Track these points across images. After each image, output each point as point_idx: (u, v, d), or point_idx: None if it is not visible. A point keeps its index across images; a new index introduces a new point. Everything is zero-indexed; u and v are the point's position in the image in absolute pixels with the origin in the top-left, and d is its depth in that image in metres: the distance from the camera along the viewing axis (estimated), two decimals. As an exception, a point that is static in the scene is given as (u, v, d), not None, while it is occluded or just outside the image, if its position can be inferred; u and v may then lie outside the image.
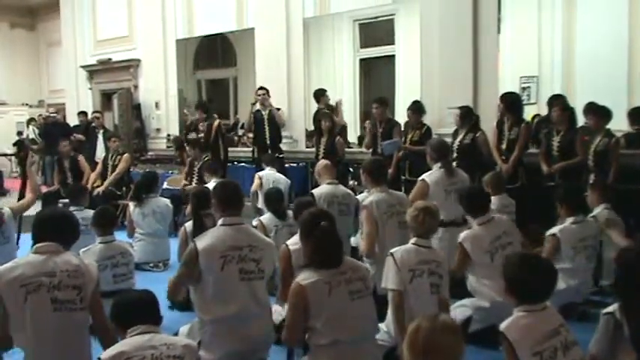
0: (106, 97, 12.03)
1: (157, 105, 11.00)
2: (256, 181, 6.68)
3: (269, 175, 6.76)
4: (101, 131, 9.52)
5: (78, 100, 12.54)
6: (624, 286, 2.49)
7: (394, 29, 8.58)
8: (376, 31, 9.10)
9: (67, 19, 12.74)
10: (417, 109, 6.66)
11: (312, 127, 8.32)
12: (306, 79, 8.90)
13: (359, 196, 4.79)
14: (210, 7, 10.04)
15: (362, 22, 9.05)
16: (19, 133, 14.66)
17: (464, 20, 6.89)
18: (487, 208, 3.99)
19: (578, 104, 5.92)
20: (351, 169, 7.47)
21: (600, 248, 4.41)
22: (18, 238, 4.84)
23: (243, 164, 8.80)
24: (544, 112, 6.40)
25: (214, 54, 10.91)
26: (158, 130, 11.04)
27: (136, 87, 11.35)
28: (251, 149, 8.34)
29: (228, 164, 8.50)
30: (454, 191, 4.63)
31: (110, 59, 11.67)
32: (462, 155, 5.92)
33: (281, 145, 8.18)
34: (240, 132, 9.89)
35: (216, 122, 8.23)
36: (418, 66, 7.49)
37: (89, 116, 10.08)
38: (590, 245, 4.26)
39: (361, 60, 9.17)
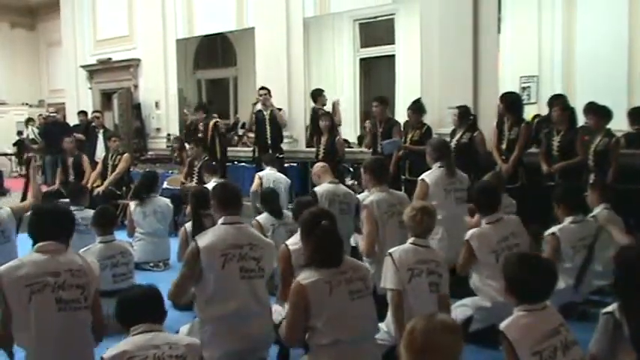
0: (106, 97, 12.03)
1: (157, 105, 11.01)
2: (256, 181, 6.66)
3: (269, 175, 6.75)
4: (101, 131, 9.52)
5: (78, 99, 12.55)
6: (624, 286, 2.48)
7: (394, 29, 8.60)
8: (376, 30, 9.11)
9: (67, 18, 12.74)
10: (417, 108, 6.65)
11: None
12: (307, 78, 8.90)
13: (359, 196, 4.79)
14: (210, 6, 10.04)
15: (362, 21, 9.06)
16: (19, 133, 14.66)
17: (464, 20, 6.89)
18: (497, 207, 3.94)
19: (578, 104, 5.92)
20: (350, 169, 7.47)
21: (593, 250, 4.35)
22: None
23: (243, 164, 8.80)
24: (544, 111, 6.39)
25: (214, 54, 10.92)
26: (158, 129, 11.05)
27: (136, 87, 11.36)
28: (252, 149, 8.34)
29: (228, 164, 8.50)
30: (454, 190, 4.64)
31: (110, 59, 11.67)
32: (459, 154, 5.91)
33: (281, 145, 8.18)
34: (241, 132, 9.89)
35: (212, 122, 8.20)
36: (418, 66, 7.49)
37: (89, 116, 10.09)
38: (590, 245, 4.24)
39: (361, 60, 9.19)
